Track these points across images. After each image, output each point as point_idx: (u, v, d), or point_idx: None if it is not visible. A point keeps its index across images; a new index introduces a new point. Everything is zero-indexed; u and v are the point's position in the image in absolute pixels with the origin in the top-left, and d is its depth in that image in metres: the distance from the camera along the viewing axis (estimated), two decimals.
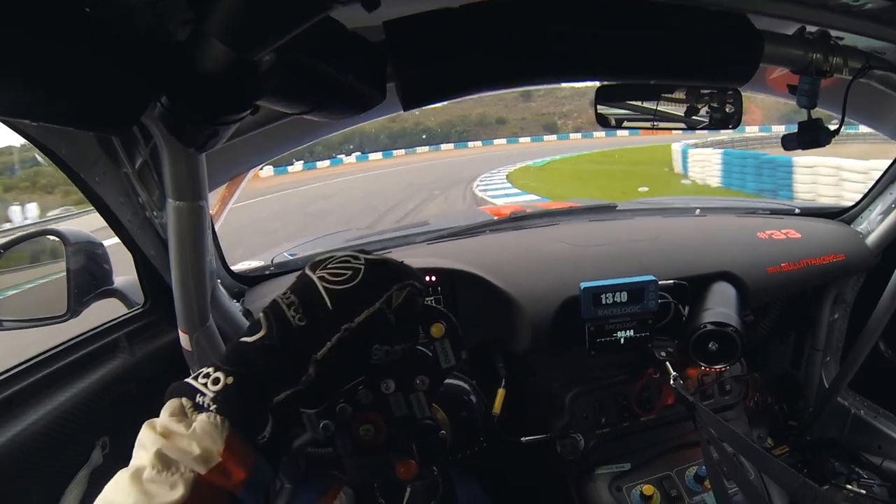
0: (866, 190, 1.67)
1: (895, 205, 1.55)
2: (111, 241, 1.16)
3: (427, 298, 1.26)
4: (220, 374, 0.53)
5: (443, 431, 1.01)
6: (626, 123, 1.07)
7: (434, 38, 0.70)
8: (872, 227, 1.60)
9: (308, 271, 0.62)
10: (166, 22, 0.57)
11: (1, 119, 0.73)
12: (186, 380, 0.54)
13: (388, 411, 0.65)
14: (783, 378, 1.73)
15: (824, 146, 1.05)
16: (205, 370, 0.54)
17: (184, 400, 0.52)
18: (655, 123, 1.08)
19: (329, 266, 0.61)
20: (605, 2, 0.75)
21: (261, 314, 0.58)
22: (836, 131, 1.06)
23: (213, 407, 0.50)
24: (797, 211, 1.81)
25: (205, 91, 0.58)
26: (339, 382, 0.64)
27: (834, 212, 1.74)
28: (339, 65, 0.69)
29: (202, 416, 0.50)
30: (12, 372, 0.91)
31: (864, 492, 1.47)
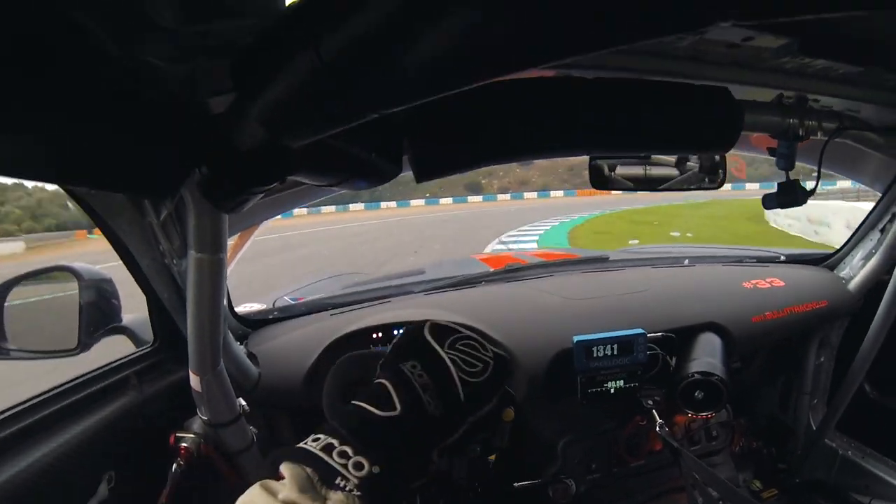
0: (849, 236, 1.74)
1: (875, 250, 1.62)
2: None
3: None
4: (362, 460, 0.50)
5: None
6: (624, 181, 1.12)
7: (446, 115, 0.76)
8: (854, 272, 1.67)
9: (435, 343, 0.63)
10: (200, 93, 0.63)
11: (51, 182, 0.78)
12: (309, 448, 0.52)
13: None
14: (772, 421, 1.76)
15: (802, 205, 1.12)
16: (332, 441, 0.51)
17: (309, 471, 0.49)
18: (667, 178, 1.13)
19: (459, 346, 0.63)
20: (600, 81, 0.82)
21: (387, 384, 0.58)
22: (813, 190, 1.13)
23: (356, 493, 0.48)
24: (782, 258, 1.87)
25: (242, 166, 0.62)
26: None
27: (817, 258, 1.80)
28: (365, 145, 0.74)
29: (339, 496, 0.48)
30: (28, 404, 0.94)
31: None
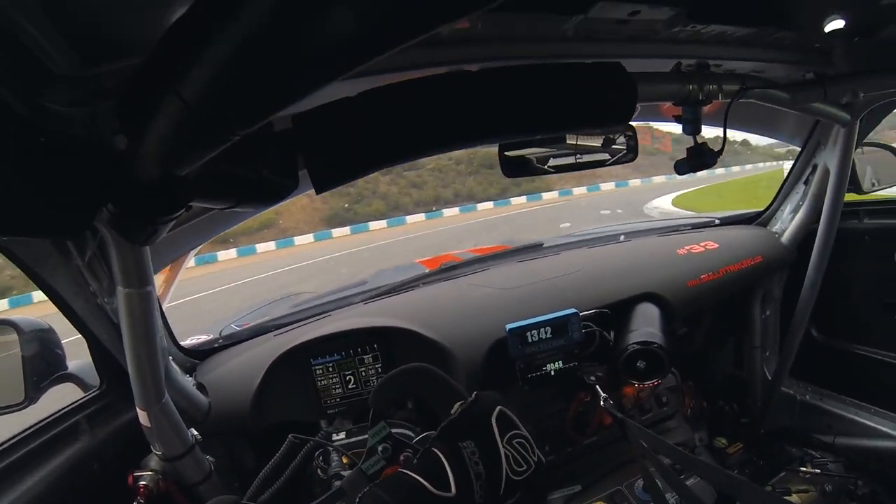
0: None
1: (802, 202, 1.70)
2: None
3: (366, 356, 1.34)
4: None
5: None
6: (551, 162, 1.14)
7: (336, 125, 0.79)
8: (785, 225, 1.75)
9: (497, 433, 0.68)
10: (104, 134, 0.65)
11: None
12: None
13: None
14: (729, 379, 1.82)
15: (712, 167, 1.18)
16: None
17: None
18: (578, 158, 1.17)
19: (515, 443, 0.68)
20: (486, 72, 0.85)
21: (444, 461, 0.61)
22: (720, 151, 1.18)
23: None
24: (717, 221, 1.94)
25: (144, 199, 0.66)
26: None
27: (750, 217, 1.88)
28: (254, 165, 0.78)
29: None
30: None
31: (818, 471, 1.55)
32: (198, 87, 0.46)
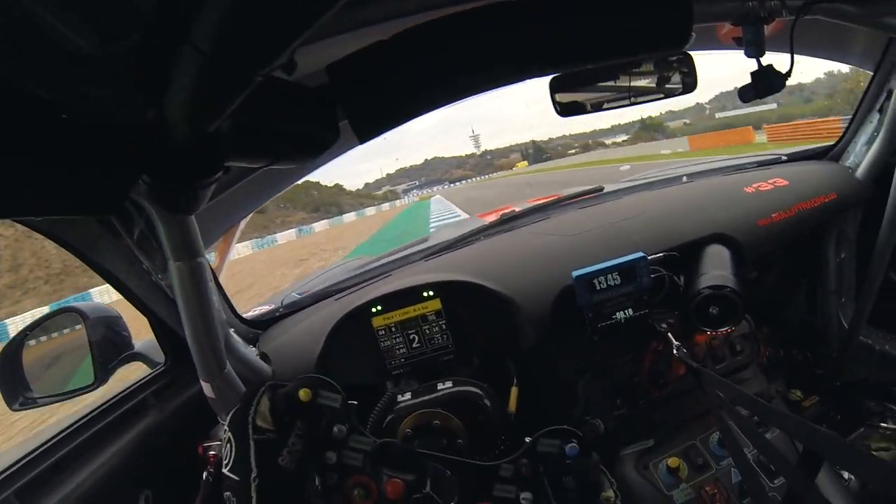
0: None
1: (877, 132, 1.54)
2: None
3: (429, 312, 1.32)
4: None
5: (460, 440, 1.05)
6: (605, 105, 1.07)
7: (372, 70, 0.75)
8: (860, 158, 1.59)
9: None
10: (130, 109, 0.64)
11: (11, 218, 0.80)
12: None
13: None
14: (802, 326, 1.70)
15: (779, 91, 1.07)
16: None
17: None
18: (633, 98, 1.09)
19: None
20: (528, 1, 0.79)
21: None
22: (788, 73, 1.07)
23: None
24: (784, 158, 1.79)
25: (178, 164, 0.66)
26: None
27: (820, 151, 1.73)
28: (288, 117, 0.75)
29: None
30: (57, 438, 0.98)
31: None
32: (210, 33, 0.46)
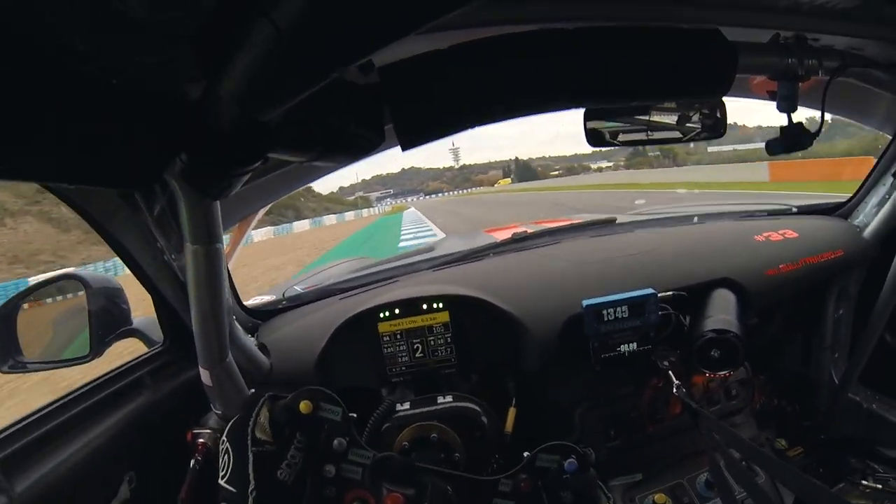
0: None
1: (889, 195, 1.57)
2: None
3: (436, 324, 1.31)
4: None
5: (457, 454, 1.05)
6: (620, 137, 1.08)
7: (426, 78, 0.75)
8: (869, 219, 1.62)
9: None
10: (178, 81, 0.62)
11: (37, 182, 0.78)
12: None
13: None
14: (794, 377, 1.72)
15: (807, 148, 1.09)
16: None
17: None
18: (650, 134, 1.11)
19: None
20: (581, 32, 0.79)
21: None
22: (818, 132, 1.09)
23: None
24: (794, 209, 1.82)
25: (221, 147, 0.63)
26: None
27: (830, 207, 1.75)
28: (341, 115, 0.74)
29: None
30: (46, 410, 0.95)
31: (879, 486, 1.45)
32: (295, 10, 0.42)
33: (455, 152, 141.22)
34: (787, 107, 1.05)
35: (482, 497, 0.96)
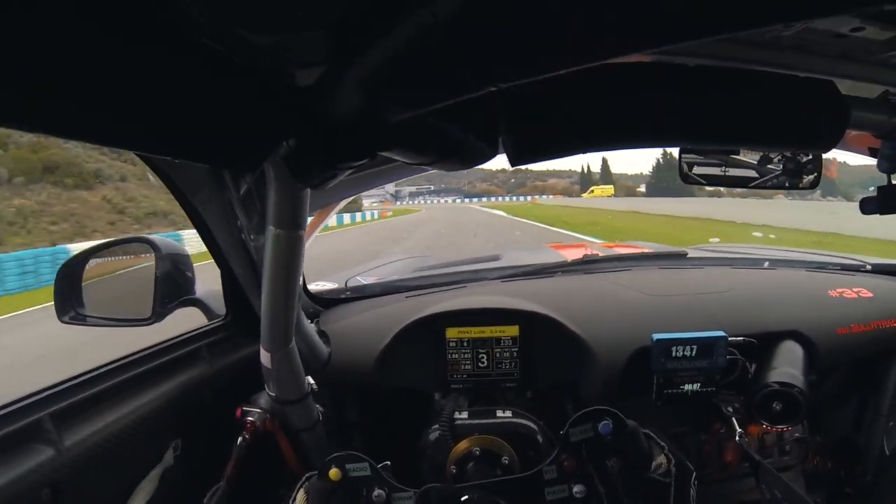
0: None
1: None
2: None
3: (504, 336, 1.30)
4: None
5: (505, 458, 1.03)
6: (715, 178, 1.07)
7: (542, 97, 0.74)
8: None
9: None
10: (288, 64, 0.59)
11: (138, 154, 0.79)
12: None
13: None
14: (843, 442, 1.65)
15: None
16: None
17: None
18: (754, 185, 1.07)
19: None
20: (699, 70, 0.78)
21: None
22: None
23: None
24: (868, 267, 1.75)
25: (335, 138, 0.60)
26: None
27: None
28: (465, 124, 0.73)
29: None
30: (102, 370, 0.97)
31: None
32: (457, 8, 0.36)
33: None
34: (889, 167, 1.01)
35: (533, 492, 0.95)
